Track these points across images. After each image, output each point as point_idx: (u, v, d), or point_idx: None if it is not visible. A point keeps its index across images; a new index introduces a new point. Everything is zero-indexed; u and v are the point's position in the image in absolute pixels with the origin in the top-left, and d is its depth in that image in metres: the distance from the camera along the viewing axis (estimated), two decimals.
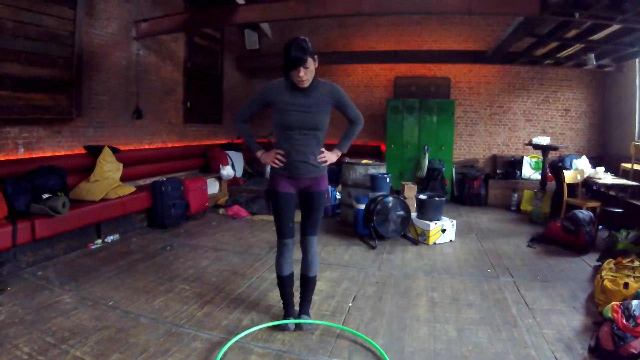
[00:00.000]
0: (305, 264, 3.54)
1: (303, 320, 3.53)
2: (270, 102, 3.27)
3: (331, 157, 3.43)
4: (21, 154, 5.35)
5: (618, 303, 3.27)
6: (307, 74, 3.10)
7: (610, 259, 4.48)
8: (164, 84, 8.18)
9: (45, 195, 4.98)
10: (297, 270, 3.63)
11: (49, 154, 5.71)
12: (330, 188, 8.17)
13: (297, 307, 3.66)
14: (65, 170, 5.50)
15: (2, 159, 5.12)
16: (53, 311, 3.67)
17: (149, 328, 3.45)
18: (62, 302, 3.86)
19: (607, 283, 3.89)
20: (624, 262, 4.24)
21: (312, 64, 3.11)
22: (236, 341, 3.22)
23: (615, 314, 3.13)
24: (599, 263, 4.96)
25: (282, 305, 3.65)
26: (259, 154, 3.51)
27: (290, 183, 3.38)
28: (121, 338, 3.26)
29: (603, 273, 4.13)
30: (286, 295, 3.60)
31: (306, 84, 3.17)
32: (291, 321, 3.52)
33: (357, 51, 10.88)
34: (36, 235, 4.68)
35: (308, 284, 3.59)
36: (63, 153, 5.92)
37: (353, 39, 11.09)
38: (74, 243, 5.39)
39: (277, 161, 3.30)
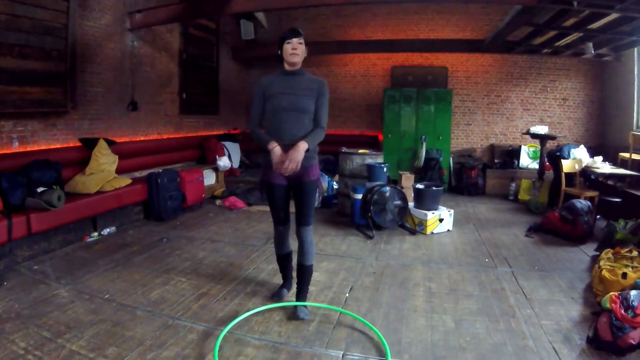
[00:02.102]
0: (301, 253, 3.58)
1: (301, 303, 3.60)
2: (266, 90, 3.45)
3: (294, 152, 3.19)
4: (16, 147, 5.31)
5: (616, 293, 3.26)
6: (298, 48, 3.38)
7: (609, 249, 4.48)
8: (159, 76, 8.12)
9: (40, 189, 4.94)
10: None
11: (43, 147, 5.67)
12: (327, 178, 8.15)
13: (294, 288, 3.79)
14: (60, 164, 5.46)
15: None
16: (49, 305, 3.66)
17: (145, 321, 3.44)
18: (59, 296, 3.85)
19: (605, 273, 3.88)
20: (622, 252, 4.24)
21: (303, 45, 3.44)
22: (232, 333, 3.22)
23: (613, 305, 3.12)
24: (597, 253, 4.96)
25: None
26: (272, 145, 3.27)
27: (281, 174, 3.40)
28: (117, 331, 3.25)
29: (601, 263, 4.13)
30: (284, 270, 3.96)
31: (296, 59, 3.40)
32: (289, 304, 3.66)
33: (354, 40, 10.79)
34: (32, 230, 4.65)
35: (304, 273, 3.63)
36: (58, 146, 5.88)
37: (350, 28, 11.01)
38: (70, 236, 5.37)
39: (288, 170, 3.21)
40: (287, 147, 3.27)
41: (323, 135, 3.45)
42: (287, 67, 3.45)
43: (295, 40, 3.36)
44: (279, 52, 3.44)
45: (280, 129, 3.33)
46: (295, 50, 3.36)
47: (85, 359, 2.86)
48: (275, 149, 3.24)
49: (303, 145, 3.21)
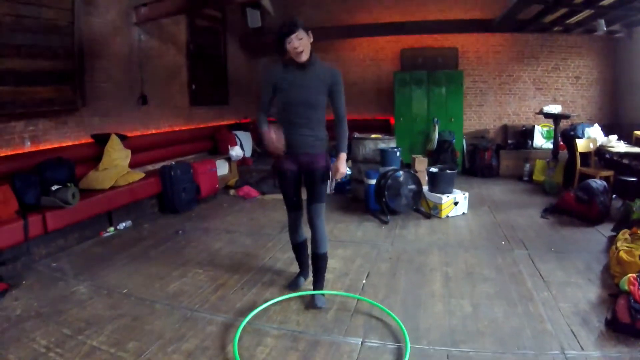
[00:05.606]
0: (314, 241, 3.59)
1: (318, 291, 3.61)
2: (277, 83, 3.38)
3: (341, 166, 3.46)
4: (28, 147, 5.33)
5: (635, 275, 3.23)
6: (301, 45, 3.21)
7: (625, 229, 4.43)
8: (168, 68, 8.10)
9: (54, 187, 4.98)
10: None
11: (56, 145, 5.69)
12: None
13: (311, 276, 3.81)
14: (73, 161, 5.50)
15: (10, 153, 5.10)
16: (68, 302, 3.70)
17: (164, 314, 3.48)
18: (77, 293, 3.89)
19: (622, 254, 3.83)
20: (639, 232, 4.18)
21: (305, 37, 3.24)
22: (251, 323, 3.23)
23: (631, 286, 3.09)
24: (614, 233, 4.90)
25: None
26: (265, 129, 3.36)
27: (292, 160, 3.48)
28: (137, 326, 3.29)
29: (618, 244, 4.09)
30: (300, 258, 3.97)
31: (303, 57, 3.26)
32: (307, 293, 3.70)
33: (362, 24, 10.61)
34: (48, 228, 4.70)
35: (319, 261, 3.64)
36: (70, 144, 5.90)
37: (357, 12, 10.86)
38: (86, 232, 5.42)
39: (278, 148, 3.29)
40: (298, 136, 3.37)
41: (346, 126, 3.57)
42: (296, 59, 3.30)
43: (293, 36, 3.18)
44: (279, 48, 3.28)
45: (292, 124, 3.36)
46: (297, 48, 3.21)
47: (106, 354, 2.90)
48: (266, 132, 3.30)
49: (343, 156, 3.48)
